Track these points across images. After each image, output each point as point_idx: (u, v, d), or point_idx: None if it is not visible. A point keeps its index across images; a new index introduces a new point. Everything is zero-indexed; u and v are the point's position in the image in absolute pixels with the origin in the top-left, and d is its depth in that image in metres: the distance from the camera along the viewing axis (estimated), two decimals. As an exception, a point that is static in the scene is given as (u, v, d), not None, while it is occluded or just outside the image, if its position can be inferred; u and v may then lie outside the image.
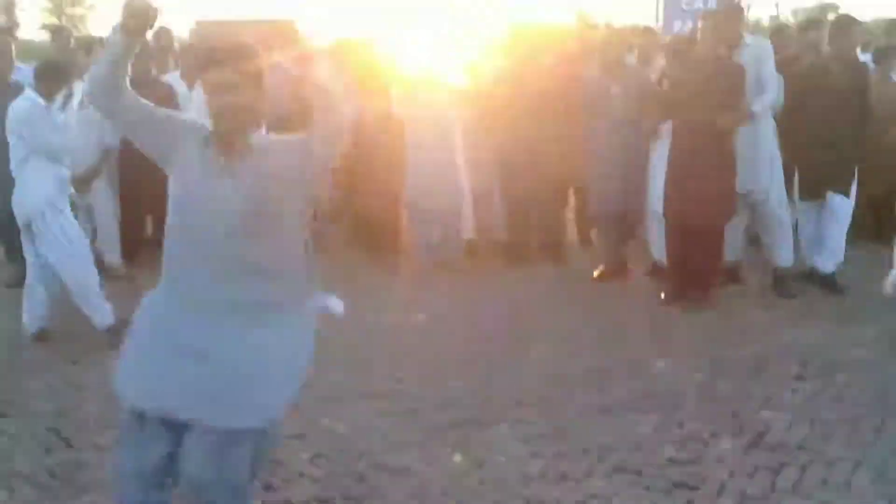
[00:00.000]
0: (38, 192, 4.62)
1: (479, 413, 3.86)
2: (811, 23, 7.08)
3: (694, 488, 3.19)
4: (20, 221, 4.70)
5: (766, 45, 5.52)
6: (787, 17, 34.91)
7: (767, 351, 4.56)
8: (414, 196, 6.14)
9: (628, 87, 5.70)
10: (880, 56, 6.62)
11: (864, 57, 6.71)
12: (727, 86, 5.07)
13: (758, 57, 5.35)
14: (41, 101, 4.70)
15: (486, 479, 3.29)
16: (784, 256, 5.56)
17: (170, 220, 2.37)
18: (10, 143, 4.73)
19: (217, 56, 2.24)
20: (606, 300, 5.54)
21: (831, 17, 9.47)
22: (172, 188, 2.34)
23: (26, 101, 4.71)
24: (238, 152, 2.29)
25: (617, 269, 5.98)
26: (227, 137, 2.29)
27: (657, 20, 9.45)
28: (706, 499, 3.12)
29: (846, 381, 4.15)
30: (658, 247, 5.72)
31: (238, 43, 2.28)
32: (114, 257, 6.16)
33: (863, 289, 5.37)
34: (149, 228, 6.75)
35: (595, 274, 5.95)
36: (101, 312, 4.68)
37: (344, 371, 4.39)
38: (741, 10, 5.76)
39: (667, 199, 5.30)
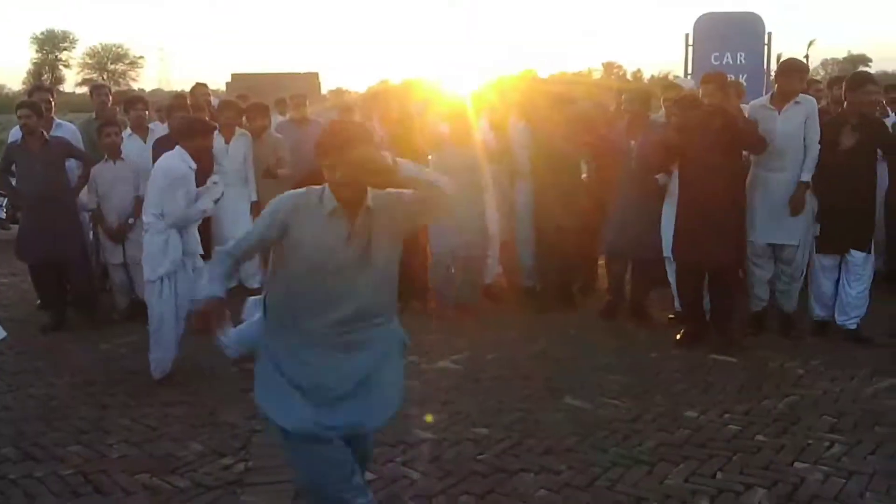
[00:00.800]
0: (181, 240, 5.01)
1: (506, 461, 3.81)
2: (838, 79, 7.12)
3: (729, 543, 3.11)
4: (162, 270, 4.91)
5: (814, 103, 5.59)
6: (817, 68, 35.02)
7: (802, 402, 4.47)
8: (440, 240, 6.20)
9: (647, 140, 5.75)
10: None
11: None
12: (729, 133, 5.22)
13: (808, 114, 5.45)
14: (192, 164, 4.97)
15: (513, 530, 3.23)
16: (793, 303, 5.73)
17: (289, 275, 2.71)
18: (150, 195, 5.01)
19: (358, 136, 2.58)
20: (637, 347, 5.48)
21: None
22: (292, 255, 2.67)
23: (184, 165, 4.93)
24: (360, 214, 2.64)
25: (633, 312, 6.10)
26: (355, 204, 2.63)
27: (686, 70, 9.52)
28: (740, 553, 3.04)
29: (883, 433, 4.04)
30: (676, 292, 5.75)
31: (363, 126, 2.83)
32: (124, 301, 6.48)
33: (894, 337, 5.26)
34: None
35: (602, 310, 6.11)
36: None
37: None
38: (803, 68, 5.82)
39: (675, 242, 5.46)
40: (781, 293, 5.72)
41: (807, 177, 5.41)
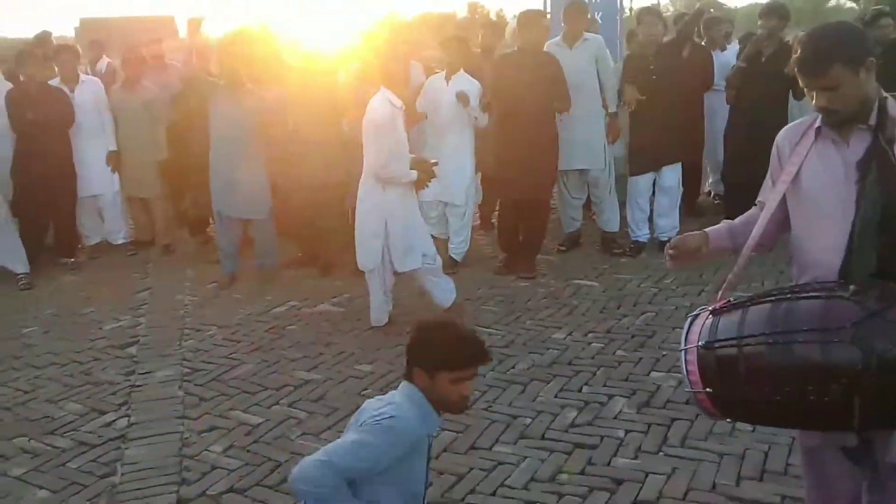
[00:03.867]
0: None
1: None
2: (680, 15, 7.92)
3: (593, 447, 3.42)
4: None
5: (601, 41, 6.15)
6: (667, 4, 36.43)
7: (657, 318, 4.87)
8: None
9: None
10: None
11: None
12: (547, 75, 5.61)
13: (597, 51, 6.01)
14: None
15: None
16: (612, 222, 6.32)
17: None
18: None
19: None
20: (507, 279, 5.74)
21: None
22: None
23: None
24: None
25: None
26: None
27: (545, 8, 9.72)
28: (604, 455, 3.35)
29: (727, 340, 4.49)
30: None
31: None
32: (19, 266, 6.09)
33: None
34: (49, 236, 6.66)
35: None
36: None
37: (255, 364, 4.44)
38: (584, 10, 6.30)
39: (495, 180, 6.01)
40: (598, 215, 6.35)
41: (613, 108, 6.11)
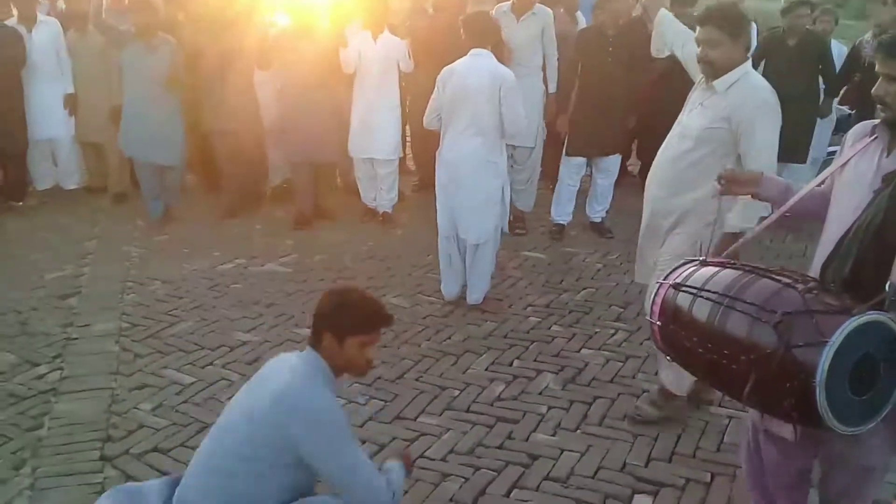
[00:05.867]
0: None
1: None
2: None
3: (514, 422, 3.52)
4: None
5: (550, 15, 5.94)
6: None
7: (596, 294, 4.96)
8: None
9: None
10: None
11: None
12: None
13: (544, 25, 5.86)
14: None
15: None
16: (528, 203, 6.18)
17: None
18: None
19: None
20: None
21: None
22: None
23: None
24: None
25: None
26: None
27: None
28: (524, 430, 3.45)
29: (661, 320, 4.59)
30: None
31: None
32: None
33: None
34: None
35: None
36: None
37: (194, 322, 4.47)
38: None
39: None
40: (517, 193, 5.92)
41: (552, 88, 5.96)
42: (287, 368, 2.38)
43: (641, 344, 4.28)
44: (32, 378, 3.82)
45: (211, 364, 4.00)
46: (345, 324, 2.37)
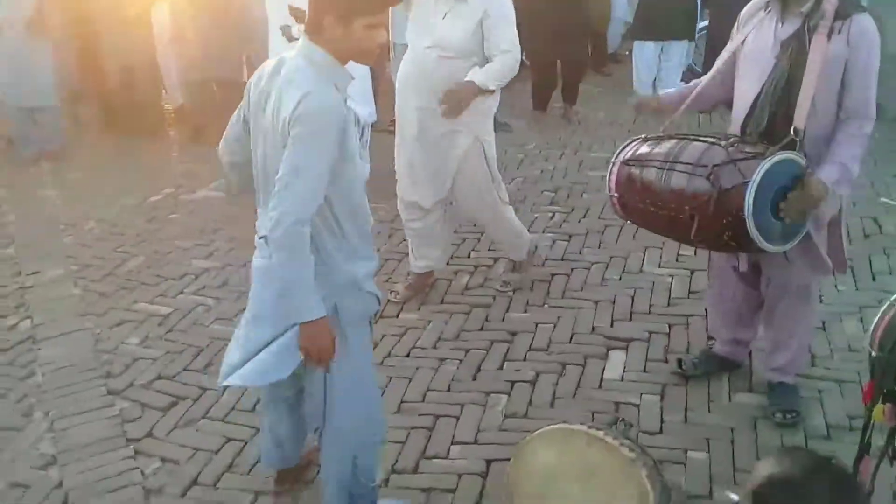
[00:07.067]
0: None
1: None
2: None
3: (487, 306, 3.84)
4: None
5: None
6: None
7: (525, 182, 5.30)
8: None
9: None
10: None
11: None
12: None
13: None
14: None
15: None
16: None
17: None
18: None
19: None
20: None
21: None
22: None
23: None
24: None
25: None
26: None
27: None
28: (499, 312, 3.79)
29: (589, 199, 4.99)
30: None
31: None
32: None
33: (597, 120, 6.35)
34: None
35: None
36: None
37: (147, 256, 4.48)
38: None
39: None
40: None
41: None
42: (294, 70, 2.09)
43: (579, 222, 4.68)
44: (4, 330, 3.78)
45: (181, 293, 4.07)
46: (350, 3, 2.04)
